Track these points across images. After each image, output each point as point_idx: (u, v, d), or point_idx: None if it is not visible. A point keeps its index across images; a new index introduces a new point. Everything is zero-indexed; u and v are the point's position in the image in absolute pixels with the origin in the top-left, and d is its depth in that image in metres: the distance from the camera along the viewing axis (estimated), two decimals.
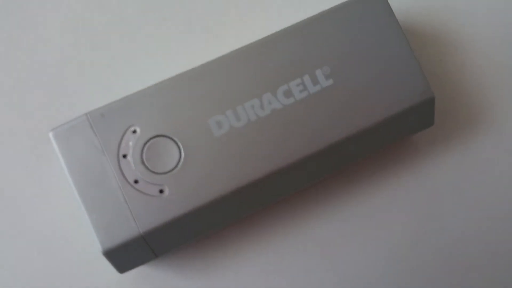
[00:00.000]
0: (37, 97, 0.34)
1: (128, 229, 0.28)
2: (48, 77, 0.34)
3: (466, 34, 0.36)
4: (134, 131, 0.29)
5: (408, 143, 0.35)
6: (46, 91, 0.34)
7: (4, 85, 0.34)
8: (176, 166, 0.29)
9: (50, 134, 0.29)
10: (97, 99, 0.31)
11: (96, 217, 0.28)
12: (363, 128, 0.30)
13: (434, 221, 0.34)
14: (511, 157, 0.35)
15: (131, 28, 0.35)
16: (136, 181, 0.29)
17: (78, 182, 0.29)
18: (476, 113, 0.35)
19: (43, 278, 0.32)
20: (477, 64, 0.36)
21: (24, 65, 0.34)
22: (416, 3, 0.36)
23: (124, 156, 0.29)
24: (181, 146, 0.29)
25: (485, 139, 0.35)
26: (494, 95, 0.36)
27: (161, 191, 0.29)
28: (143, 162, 0.29)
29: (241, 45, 0.31)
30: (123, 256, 0.29)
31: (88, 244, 0.31)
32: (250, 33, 0.33)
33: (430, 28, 0.36)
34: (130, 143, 0.29)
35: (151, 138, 0.29)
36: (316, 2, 0.33)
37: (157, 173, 0.29)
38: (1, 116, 0.34)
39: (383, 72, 0.31)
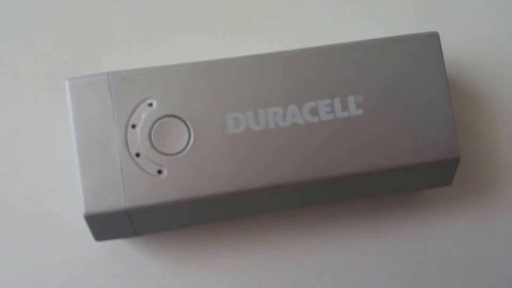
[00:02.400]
0: (69, 43, 0.33)
1: (116, 200, 0.28)
2: (87, 29, 0.33)
3: None
4: (150, 104, 0.28)
5: (417, 195, 0.34)
6: (80, 41, 0.33)
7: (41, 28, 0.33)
8: (181, 151, 0.28)
9: (66, 83, 0.28)
10: (125, 63, 0.31)
11: (88, 179, 0.28)
12: (376, 169, 0.29)
13: (422, 282, 0.33)
14: None
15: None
16: (137, 155, 0.28)
17: (80, 139, 0.28)
18: (498, 185, 0.34)
19: (20, 223, 0.32)
20: None
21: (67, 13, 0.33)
22: (471, 58, 0.35)
23: (133, 126, 0.28)
24: (192, 133, 0.28)
25: (499, 214, 0.34)
26: None
27: (159, 172, 0.28)
28: (150, 137, 0.28)
29: (283, 49, 0.30)
30: (103, 225, 0.29)
31: (73, 203, 0.30)
32: (296, 40, 0.32)
33: (478, 87, 0.34)
34: (143, 115, 0.28)
35: (164, 116, 0.28)
36: (371, 28, 0.32)
37: (161, 153, 0.28)
38: (32, 54, 0.33)
39: (416, 118, 0.29)
